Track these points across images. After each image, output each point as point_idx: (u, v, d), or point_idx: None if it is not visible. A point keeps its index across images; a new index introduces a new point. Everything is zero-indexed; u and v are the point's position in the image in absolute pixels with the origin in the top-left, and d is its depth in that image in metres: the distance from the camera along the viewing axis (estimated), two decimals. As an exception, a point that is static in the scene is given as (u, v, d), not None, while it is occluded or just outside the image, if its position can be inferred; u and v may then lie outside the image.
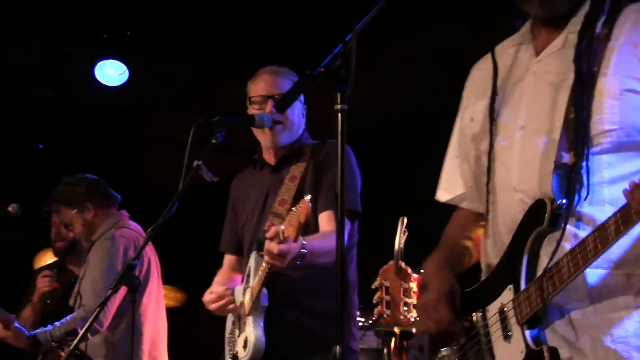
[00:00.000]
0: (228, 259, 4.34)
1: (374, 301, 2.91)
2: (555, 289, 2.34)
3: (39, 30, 7.22)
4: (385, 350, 2.83)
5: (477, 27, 7.03)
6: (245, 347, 3.88)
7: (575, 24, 2.54)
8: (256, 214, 4.13)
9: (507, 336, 2.47)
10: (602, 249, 2.23)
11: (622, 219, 2.20)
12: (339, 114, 2.49)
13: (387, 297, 2.90)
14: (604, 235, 2.23)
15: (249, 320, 3.90)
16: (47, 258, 8.66)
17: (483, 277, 2.70)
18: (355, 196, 3.95)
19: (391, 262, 2.90)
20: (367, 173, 4.08)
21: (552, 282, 2.34)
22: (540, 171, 2.48)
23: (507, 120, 2.63)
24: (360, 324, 7.17)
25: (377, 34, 6.90)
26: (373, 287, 2.93)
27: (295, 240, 3.44)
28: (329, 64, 2.49)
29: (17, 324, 5.02)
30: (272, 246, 3.47)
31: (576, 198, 2.40)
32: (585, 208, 2.41)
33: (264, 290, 3.83)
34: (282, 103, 2.90)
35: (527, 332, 2.40)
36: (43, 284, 5.51)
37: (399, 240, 2.86)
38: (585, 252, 2.26)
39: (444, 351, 2.70)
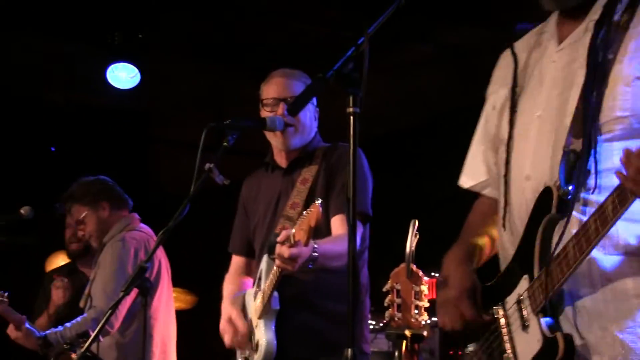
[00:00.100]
0: (236, 261, 4.34)
1: (385, 304, 2.90)
2: (563, 275, 2.34)
3: (51, 34, 7.25)
4: (396, 353, 2.82)
5: (489, 30, 7.03)
6: (257, 350, 3.89)
7: (596, 12, 2.54)
8: (268, 217, 4.13)
9: (525, 326, 2.47)
10: (603, 230, 2.23)
11: (619, 198, 2.20)
12: (351, 117, 2.49)
13: (398, 300, 2.89)
14: (603, 216, 2.23)
15: (261, 324, 3.91)
16: (59, 260, 8.69)
17: (502, 269, 2.70)
18: (366, 199, 3.95)
19: (402, 265, 2.89)
20: (379, 175, 4.08)
21: (560, 268, 2.34)
22: (552, 159, 2.48)
23: (525, 109, 2.64)
24: (372, 326, 7.18)
25: (389, 37, 6.90)
26: (384, 290, 2.92)
27: (306, 244, 3.44)
28: (342, 67, 2.49)
29: (28, 325, 5.04)
30: (282, 250, 3.47)
31: (586, 184, 2.40)
32: (593, 194, 2.40)
33: (275, 293, 3.84)
34: (294, 106, 2.90)
35: (542, 321, 2.40)
36: (57, 296, 5.55)
37: (410, 243, 2.85)
38: (588, 235, 2.26)
39: (470, 347, 2.71)
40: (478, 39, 7.13)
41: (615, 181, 2.25)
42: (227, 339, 4.08)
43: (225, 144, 3.69)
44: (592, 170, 2.40)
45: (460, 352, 7.08)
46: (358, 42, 2.52)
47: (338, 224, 3.85)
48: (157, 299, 5.18)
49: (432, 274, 7.45)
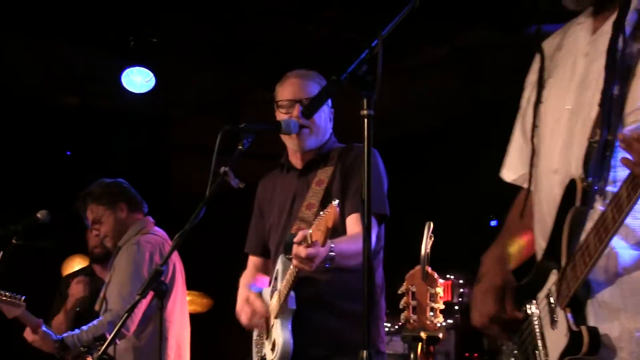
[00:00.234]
0: (253, 260, 4.35)
1: (401, 306, 2.91)
2: (586, 266, 2.31)
3: (66, 39, 7.28)
4: (412, 356, 2.83)
5: (502, 32, 7.03)
6: (273, 349, 3.90)
7: (631, 3, 2.50)
8: (283, 217, 4.14)
9: (553, 321, 2.46)
10: (619, 218, 2.20)
11: (631, 185, 2.18)
12: (366, 120, 2.50)
13: (413, 303, 2.90)
14: (618, 204, 2.20)
15: (277, 323, 3.91)
16: (75, 264, 8.72)
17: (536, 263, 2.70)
18: (383, 199, 3.95)
19: (417, 267, 2.90)
20: (393, 178, 4.08)
21: (582, 259, 2.32)
22: (578, 151, 2.46)
23: (554, 101, 2.62)
24: (387, 329, 7.18)
25: (402, 39, 6.91)
26: (399, 292, 2.93)
27: (323, 245, 3.44)
28: (356, 69, 2.50)
29: (44, 328, 5.06)
30: (300, 250, 3.48)
31: (609, 176, 2.38)
32: (615, 186, 2.37)
33: (292, 293, 3.85)
34: (309, 109, 2.90)
35: (569, 315, 2.38)
36: (77, 290, 5.56)
37: (425, 245, 2.86)
38: (605, 225, 2.24)
39: (506, 344, 2.70)
40: (491, 41, 7.14)
41: None
42: (244, 318, 4.07)
43: (240, 147, 3.69)
44: (615, 162, 2.37)
45: (476, 355, 7.08)
46: (372, 45, 2.51)
47: (354, 222, 3.84)
48: (171, 302, 5.19)
49: (448, 276, 7.47)
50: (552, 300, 2.47)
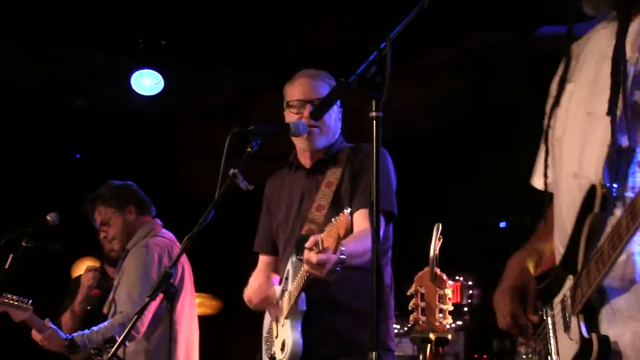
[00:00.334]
0: (263, 259, 4.36)
1: (409, 308, 2.91)
2: (599, 273, 2.28)
3: (76, 42, 7.30)
4: (420, 357, 2.83)
5: (511, 34, 7.02)
6: (283, 349, 3.91)
7: None
8: (291, 217, 4.15)
9: (567, 327, 2.45)
10: (633, 226, 2.17)
11: None
12: (374, 122, 2.50)
13: (422, 304, 2.90)
14: (633, 212, 2.17)
15: (287, 324, 3.93)
16: (85, 266, 8.73)
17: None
18: (391, 197, 3.96)
19: (426, 269, 2.90)
20: (402, 179, 4.09)
21: (596, 266, 2.30)
22: (599, 156, 2.43)
23: (576, 106, 2.59)
24: (396, 330, 7.18)
25: (412, 41, 6.91)
26: (408, 293, 2.93)
27: (334, 252, 3.45)
28: (364, 71, 2.50)
29: (52, 325, 5.06)
30: (311, 256, 3.48)
31: (628, 182, 2.36)
32: (635, 192, 2.34)
33: (302, 294, 3.86)
34: (318, 110, 2.92)
35: (582, 322, 2.37)
36: (87, 278, 5.56)
37: (434, 246, 2.86)
38: (620, 232, 2.21)
39: (522, 347, 2.70)
40: (500, 43, 7.13)
41: None
42: (255, 300, 4.11)
43: (249, 149, 3.70)
44: (635, 168, 2.35)
45: (485, 356, 7.08)
46: (380, 47, 2.51)
47: (361, 218, 3.83)
48: (180, 304, 5.20)
49: (457, 277, 7.47)
50: (566, 305, 2.46)
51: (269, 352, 4.10)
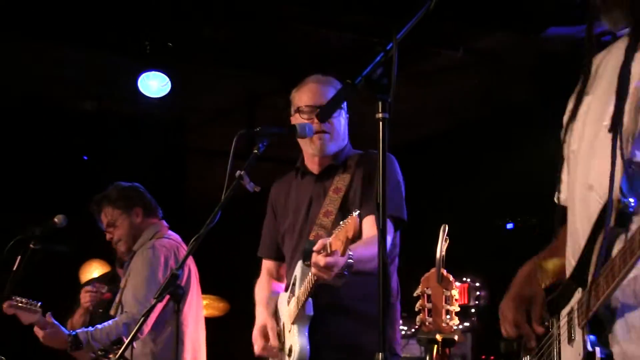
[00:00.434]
0: (267, 265, 4.36)
1: (416, 309, 2.92)
2: (608, 287, 2.25)
3: (82, 44, 7.30)
4: (427, 358, 2.83)
5: (518, 36, 7.02)
6: (290, 355, 3.91)
7: None
8: (299, 223, 4.15)
9: (571, 339, 2.43)
10: None
11: None
12: (380, 123, 2.49)
13: (429, 305, 2.91)
14: None
15: (294, 329, 3.92)
16: (93, 268, 8.75)
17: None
18: (400, 204, 3.96)
19: (433, 270, 2.90)
20: (409, 181, 4.09)
21: (606, 280, 2.27)
22: (615, 170, 2.38)
23: (594, 119, 2.56)
24: (403, 332, 7.18)
25: (419, 43, 6.91)
26: (415, 294, 2.94)
27: (342, 255, 3.45)
28: (370, 72, 2.49)
29: (55, 321, 5.06)
30: (319, 259, 3.48)
31: None
32: None
33: (309, 299, 3.86)
34: (324, 112, 2.92)
35: (587, 336, 2.35)
36: (85, 299, 5.57)
37: (441, 247, 2.86)
38: (632, 247, 2.18)
39: (525, 358, 2.67)
40: (507, 45, 7.12)
41: None
42: (257, 348, 4.11)
43: (256, 151, 3.70)
44: None
45: (492, 358, 7.07)
46: (387, 48, 2.51)
47: (370, 225, 3.83)
48: (187, 305, 5.20)
49: (464, 279, 7.47)
50: (573, 318, 2.44)
51: (275, 358, 4.10)
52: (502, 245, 7.12)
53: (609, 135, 2.44)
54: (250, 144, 3.74)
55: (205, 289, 5.59)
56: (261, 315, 4.16)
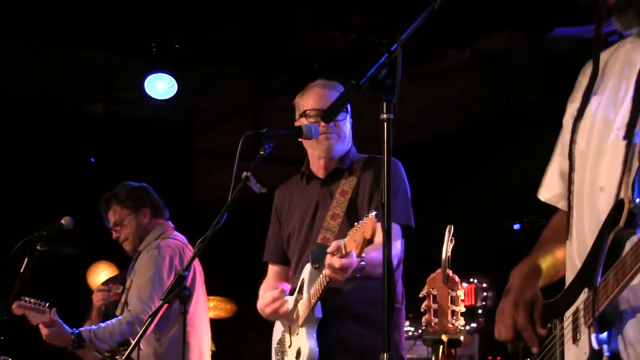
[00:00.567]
0: (273, 269, 4.37)
1: (422, 309, 2.92)
2: (617, 285, 2.24)
3: (90, 47, 7.33)
4: (433, 358, 2.83)
5: (524, 36, 7.01)
6: (298, 357, 3.91)
7: None
8: (304, 227, 4.15)
9: (576, 339, 2.42)
10: None
11: None
12: (385, 124, 2.50)
13: (434, 306, 2.90)
14: None
15: (302, 332, 3.93)
16: (100, 271, 8.78)
17: (567, 282, 2.63)
18: (409, 211, 3.98)
19: (438, 271, 2.90)
20: (416, 181, 4.09)
21: (615, 278, 2.26)
22: (627, 171, 2.39)
23: (603, 120, 2.55)
24: (410, 333, 7.19)
25: (425, 44, 6.91)
26: (421, 295, 2.93)
27: (359, 255, 3.45)
28: (375, 73, 2.49)
29: (58, 319, 5.07)
30: (334, 261, 3.49)
31: None
32: None
33: (318, 302, 3.86)
34: (329, 113, 2.92)
35: (593, 335, 2.33)
36: (97, 298, 5.59)
37: (446, 248, 2.86)
38: None
39: None
40: (513, 45, 7.12)
41: None
42: (269, 310, 4.05)
43: (262, 152, 3.71)
44: None
45: (499, 358, 7.06)
46: (391, 49, 2.51)
47: (380, 230, 3.83)
48: (193, 306, 5.21)
49: (472, 280, 7.47)
50: (578, 317, 2.42)
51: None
52: (509, 246, 7.11)
53: (621, 139, 2.43)
54: (257, 146, 3.74)
55: (213, 291, 5.60)
56: (267, 293, 4.12)
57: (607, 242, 2.36)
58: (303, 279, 4.00)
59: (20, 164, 8.45)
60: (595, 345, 2.32)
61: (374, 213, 3.38)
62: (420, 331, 6.96)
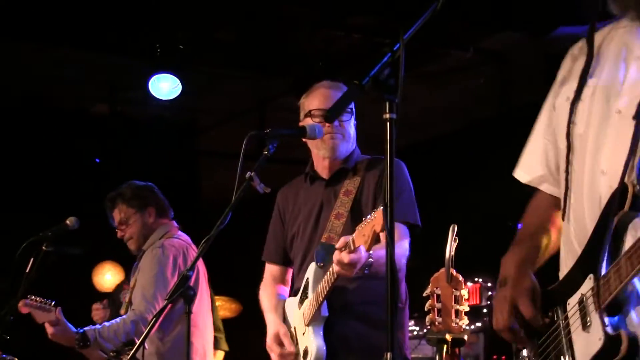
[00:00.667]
0: (271, 270, 4.37)
1: (426, 309, 2.92)
2: (633, 269, 2.20)
3: (94, 47, 7.34)
4: (437, 358, 2.84)
5: (528, 36, 7.02)
6: (305, 356, 3.92)
7: None
8: (309, 227, 4.15)
9: (586, 326, 2.37)
10: None
11: None
12: (388, 123, 2.50)
13: (438, 305, 2.90)
14: None
15: (309, 331, 3.93)
16: (105, 271, 8.80)
17: (563, 265, 2.61)
18: (416, 211, 4.00)
19: (442, 270, 2.90)
20: (420, 181, 4.10)
21: (630, 262, 2.22)
22: (630, 155, 2.37)
23: (602, 103, 2.52)
24: (415, 332, 7.19)
25: (428, 43, 6.92)
26: (424, 295, 2.94)
27: (368, 249, 3.47)
28: (378, 73, 2.49)
29: (63, 318, 5.08)
30: (342, 256, 3.51)
31: None
32: None
33: (325, 300, 3.87)
34: (331, 113, 2.92)
35: (607, 319, 2.29)
36: (97, 316, 5.63)
37: (450, 247, 2.86)
38: None
39: (524, 352, 2.65)
40: (516, 45, 7.13)
41: None
42: (274, 357, 4.10)
43: (266, 152, 3.71)
44: None
45: (504, 357, 7.06)
46: (394, 48, 2.51)
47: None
48: (197, 306, 5.19)
49: (476, 279, 7.47)
50: (586, 304, 2.38)
51: None
52: (514, 245, 7.09)
53: (623, 121, 2.42)
54: (261, 146, 3.75)
55: (218, 291, 5.60)
56: (273, 323, 4.16)
57: (611, 226, 2.34)
58: (308, 278, 4.01)
59: (26, 165, 8.47)
60: (610, 331, 2.29)
61: (382, 207, 3.39)
62: (424, 330, 6.97)
